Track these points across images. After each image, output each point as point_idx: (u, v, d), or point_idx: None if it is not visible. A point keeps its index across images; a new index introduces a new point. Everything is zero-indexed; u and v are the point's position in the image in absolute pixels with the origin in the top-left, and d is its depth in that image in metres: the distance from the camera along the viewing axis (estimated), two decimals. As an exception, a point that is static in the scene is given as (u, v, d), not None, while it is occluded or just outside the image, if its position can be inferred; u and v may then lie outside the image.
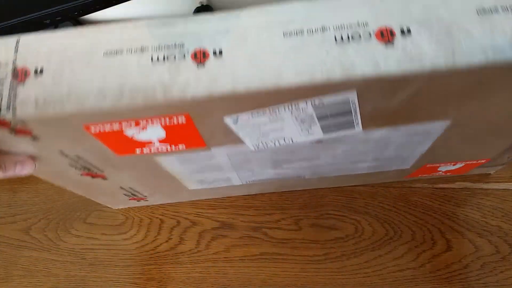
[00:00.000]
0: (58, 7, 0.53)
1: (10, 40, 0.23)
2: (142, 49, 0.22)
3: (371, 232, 0.41)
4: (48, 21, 0.53)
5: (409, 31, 0.21)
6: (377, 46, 0.21)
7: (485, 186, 0.42)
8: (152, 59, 0.22)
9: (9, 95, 0.22)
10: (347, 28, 0.21)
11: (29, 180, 0.50)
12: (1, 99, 0.22)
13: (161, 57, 0.22)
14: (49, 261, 0.43)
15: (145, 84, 0.22)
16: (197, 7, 0.65)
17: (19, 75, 0.22)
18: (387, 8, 0.21)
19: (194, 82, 0.21)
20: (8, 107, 0.22)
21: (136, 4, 0.63)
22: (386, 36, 0.21)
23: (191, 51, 0.22)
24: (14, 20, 0.51)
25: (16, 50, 0.23)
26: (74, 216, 0.45)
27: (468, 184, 0.42)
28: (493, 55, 0.20)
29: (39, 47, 0.23)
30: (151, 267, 0.41)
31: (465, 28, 0.21)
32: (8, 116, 0.22)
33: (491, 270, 0.38)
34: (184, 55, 0.22)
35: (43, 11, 0.52)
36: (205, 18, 0.23)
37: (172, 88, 0.21)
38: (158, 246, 0.43)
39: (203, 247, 0.42)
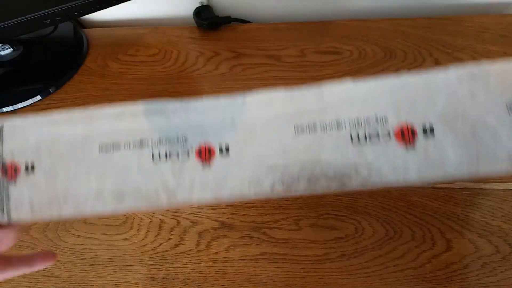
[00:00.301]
0: (58, 7, 0.53)
1: None
2: (142, 143, 0.21)
3: (371, 232, 0.41)
4: (48, 21, 0.53)
5: (432, 130, 0.19)
6: (397, 149, 0.19)
7: (485, 186, 0.42)
8: (153, 156, 0.20)
9: (1, 195, 0.21)
10: (365, 124, 0.19)
11: (29, 180, 0.50)
12: None
13: (162, 154, 0.20)
14: (49, 261, 0.43)
15: (147, 187, 0.20)
16: (197, 7, 0.65)
17: (8, 172, 0.21)
18: (409, 98, 0.19)
19: (200, 186, 0.20)
20: (1, 209, 0.21)
21: (136, 4, 0.63)
22: (407, 136, 0.19)
23: (195, 147, 0.20)
24: (14, 20, 0.51)
25: (1, 140, 0.21)
26: (74, 216, 0.45)
27: (468, 184, 0.42)
28: None
29: (26, 137, 0.21)
30: (151, 267, 0.41)
31: (492, 128, 0.18)
32: (1, 218, 0.21)
33: (491, 270, 0.38)
34: (188, 153, 0.20)
35: (43, 11, 0.52)
36: (208, 105, 0.20)
37: (177, 192, 0.20)
38: (158, 246, 0.43)
39: (203, 247, 0.42)
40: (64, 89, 0.59)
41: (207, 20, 0.64)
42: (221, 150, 0.20)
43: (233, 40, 0.62)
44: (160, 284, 0.40)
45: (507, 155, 0.18)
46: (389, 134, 0.19)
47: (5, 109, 0.57)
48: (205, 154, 0.20)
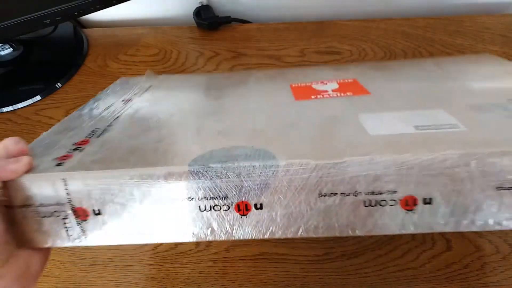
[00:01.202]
0: (58, 7, 0.53)
1: (56, 180, 0.25)
2: (190, 198, 0.25)
3: (371, 232, 0.41)
4: (48, 21, 0.53)
5: (431, 200, 0.24)
6: (401, 211, 0.24)
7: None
8: (199, 208, 0.25)
9: (77, 228, 0.26)
10: (377, 194, 0.24)
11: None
12: (71, 231, 0.26)
13: (207, 207, 0.25)
14: (49, 261, 0.43)
15: (194, 228, 0.25)
16: (197, 7, 0.65)
17: (80, 214, 0.25)
18: (416, 178, 0.24)
19: (239, 229, 0.25)
20: (79, 237, 0.26)
21: (136, 4, 0.63)
22: (410, 204, 0.24)
23: (235, 203, 0.25)
24: (14, 20, 0.51)
25: (67, 192, 0.25)
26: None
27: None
28: (499, 227, 0.24)
29: (90, 190, 0.25)
30: (151, 267, 0.41)
31: (481, 208, 0.24)
32: (79, 243, 0.26)
33: (491, 270, 0.38)
34: (229, 207, 0.25)
35: (43, 11, 0.52)
36: (244, 169, 0.24)
37: (220, 234, 0.25)
38: (158, 246, 0.43)
39: (203, 247, 0.42)
40: (64, 89, 0.59)
41: (207, 20, 0.64)
42: (256, 206, 0.25)
43: (233, 40, 0.63)
44: (160, 284, 0.40)
45: (493, 222, 0.24)
46: (395, 201, 0.24)
47: (5, 109, 0.57)
48: (243, 209, 0.25)
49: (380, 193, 0.24)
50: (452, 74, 0.38)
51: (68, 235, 0.26)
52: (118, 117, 0.34)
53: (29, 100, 0.58)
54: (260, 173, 0.24)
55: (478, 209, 0.24)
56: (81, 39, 0.66)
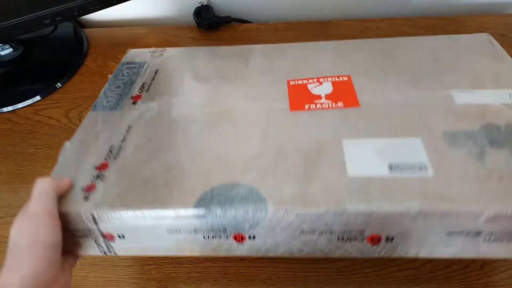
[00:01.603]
0: (58, 7, 0.53)
1: (87, 216, 0.31)
2: (196, 231, 0.31)
3: (371, 232, 0.41)
4: (48, 21, 0.53)
5: (392, 238, 0.30)
6: (366, 245, 0.30)
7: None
8: (204, 237, 0.31)
9: (106, 245, 0.33)
10: (348, 232, 0.30)
11: (29, 180, 0.50)
12: (101, 247, 0.33)
13: (210, 237, 0.31)
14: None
15: (199, 247, 0.32)
16: (197, 7, 0.65)
17: (107, 237, 0.32)
18: (381, 222, 0.29)
19: (237, 250, 0.32)
20: (108, 251, 0.33)
21: (136, 4, 0.63)
22: (375, 241, 0.30)
23: (232, 235, 0.31)
24: (14, 20, 0.51)
25: (96, 223, 0.31)
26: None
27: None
28: (442, 257, 0.31)
29: (113, 222, 0.31)
30: (151, 267, 0.41)
31: (432, 245, 0.30)
32: (108, 254, 0.34)
33: (491, 270, 0.38)
34: (228, 236, 0.31)
35: (43, 11, 0.52)
36: (240, 212, 0.30)
37: (220, 251, 0.32)
38: (158, 246, 0.43)
39: (203, 247, 0.42)
40: (64, 89, 0.59)
41: (207, 20, 0.64)
42: (249, 237, 0.31)
43: (233, 40, 0.63)
44: (160, 284, 0.40)
45: (438, 254, 0.31)
46: (363, 237, 0.30)
47: (5, 109, 0.57)
48: (239, 238, 0.31)
49: (350, 232, 0.30)
50: (443, 74, 0.41)
51: (98, 249, 0.33)
52: (130, 127, 0.38)
53: (29, 100, 0.58)
54: (253, 215, 0.30)
55: (429, 246, 0.30)
56: (81, 39, 0.66)
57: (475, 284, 0.38)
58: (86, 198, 0.32)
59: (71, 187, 0.33)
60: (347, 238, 0.30)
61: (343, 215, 0.29)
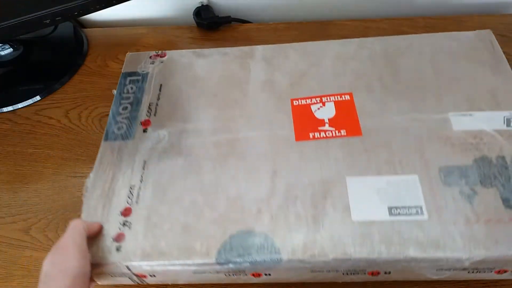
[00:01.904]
0: (58, 7, 0.53)
1: (122, 266, 0.35)
2: (218, 272, 0.36)
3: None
4: (48, 21, 0.53)
5: (390, 272, 0.35)
6: (368, 276, 0.36)
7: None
8: (225, 275, 0.36)
9: (139, 281, 0.38)
10: (352, 271, 0.35)
11: (29, 180, 0.50)
12: (135, 281, 0.38)
13: (230, 275, 0.36)
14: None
15: (221, 277, 0.37)
16: (197, 7, 0.65)
17: (140, 275, 0.37)
18: (383, 264, 0.34)
19: (253, 281, 0.37)
20: (141, 282, 0.38)
21: (136, 4, 0.63)
22: (375, 274, 0.35)
23: (250, 273, 0.36)
24: (14, 20, 0.51)
25: (129, 269, 0.36)
26: (74, 216, 0.45)
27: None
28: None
29: (145, 268, 0.36)
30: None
31: (425, 276, 0.35)
32: (141, 283, 0.39)
33: (491, 270, 0.38)
34: (246, 274, 0.36)
35: (43, 11, 0.52)
36: (256, 258, 0.34)
37: (239, 281, 0.37)
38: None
39: (203, 247, 0.42)
40: (64, 89, 0.59)
41: (207, 20, 0.64)
42: (265, 274, 0.36)
43: (233, 40, 0.63)
44: (160, 284, 0.40)
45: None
46: (364, 272, 0.35)
47: (5, 109, 0.57)
48: (256, 275, 0.36)
49: (354, 270, 0.35)
50: (442, 91, 0.43)
51: (132, 282, 0.38)
52: (145, 162, 0.41)
53: (29, 100, 0.58)
54: (268, 264, 0.34)
55: (421, 275, 0.35)
56: (81, 39, 0.66)
57: (475, 284, 0.38)
58: (118, 249, 0.36)
59: (101, 232, 0.37)
60: (351, 273, 0.35)
61: (348, 262, 0.34)
